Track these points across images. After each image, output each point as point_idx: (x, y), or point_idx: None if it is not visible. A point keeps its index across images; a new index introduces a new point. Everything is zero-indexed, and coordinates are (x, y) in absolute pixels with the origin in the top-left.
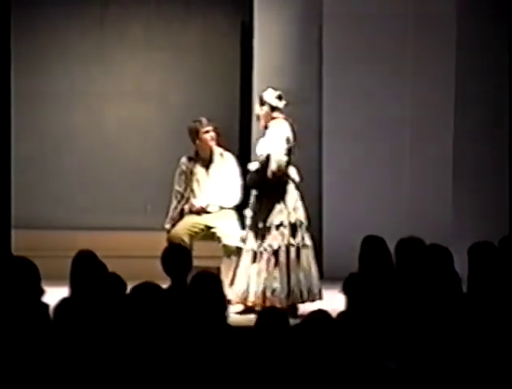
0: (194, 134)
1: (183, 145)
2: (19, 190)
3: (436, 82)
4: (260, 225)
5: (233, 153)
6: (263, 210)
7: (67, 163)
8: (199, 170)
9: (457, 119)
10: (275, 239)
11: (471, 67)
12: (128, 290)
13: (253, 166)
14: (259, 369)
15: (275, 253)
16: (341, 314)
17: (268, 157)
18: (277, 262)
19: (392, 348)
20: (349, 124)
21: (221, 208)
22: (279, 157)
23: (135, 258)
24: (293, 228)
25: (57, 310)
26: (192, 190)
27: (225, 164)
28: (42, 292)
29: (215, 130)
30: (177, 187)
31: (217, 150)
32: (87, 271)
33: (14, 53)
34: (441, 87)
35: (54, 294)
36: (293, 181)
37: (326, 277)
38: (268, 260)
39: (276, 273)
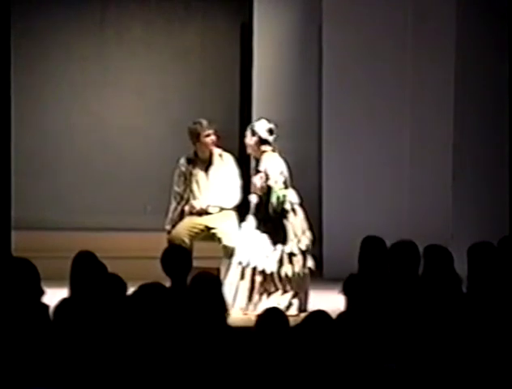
0: (195, 136)
1: (182, 145)
2: (18, 191)
3: (436, 82)
4: (270, 249)
5: (233, 154)
6: (272, 235)
7: (67, 164)
8: (199, 171)
9: (457, 119)
10: (287, 267)
11: (471, 67)
12: (128, 291)
13: (254, 199)
14: (259, 370)
15: (289, 280)
16: (341, 315)
17: (269, 190)
18: (292, 288)
19: (392, 348)
20: (349, 123)
21: (221, 209)
22: (277, 193)
23: (135, 258)
24: (304, 253)
25: (56, 311)
26: (192, 192)
27: (224, 164)
28: (42, 292)
29: (215, 133)
30: (176, 188)
31: (216, 151)
32: (86, 271)
33: (14, 53)
34: (441, 87)
35: (54, 295)
36: (295, 204)
37: (326, 277)
38: (283, 287)
39: (290, 297)
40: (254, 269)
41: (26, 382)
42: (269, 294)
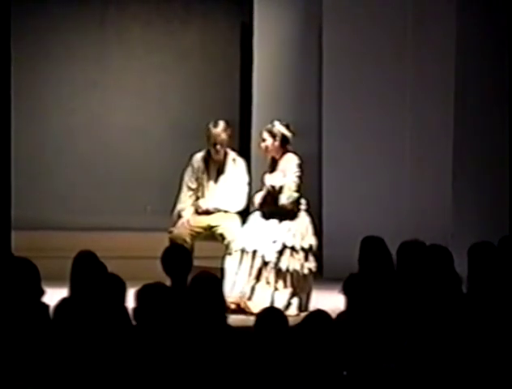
0: (214, 137)
1: (183, 145)
2: (19, 191)
3: (436, 82)
4: (272, 239)
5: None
6: (275, 228)
7: (67, 163)
8: (211, 172)
9: (457, 119)
10: (287, 261)
11: (471, 67)
12: (128, 291)
13: (258, 199)
14: (259, 370)
15: (286, 273)
16: (341, 315)
17: (281, 189)
18: (290, 285)
19: (392, 348)
20: (349, 123)
21: (225, 212)
22: (290, 192)
23: (135, 258)
24: (306, 252)
25: (57, 311)
26: (201, 191)
27: (236, 170)
28: (42, 292)
29: (231, 134)
30: (190, 184)
31: (231, 155)
32: (87, 271)
33: (14, 54)
34: (441, 87)
35: (54, 295)
36: (303, 209)
37: (326, 277)
38: (282, 281)
39: (288, 296)
40: (254, 253)
41: (26, 382)
42: (266, 283)
